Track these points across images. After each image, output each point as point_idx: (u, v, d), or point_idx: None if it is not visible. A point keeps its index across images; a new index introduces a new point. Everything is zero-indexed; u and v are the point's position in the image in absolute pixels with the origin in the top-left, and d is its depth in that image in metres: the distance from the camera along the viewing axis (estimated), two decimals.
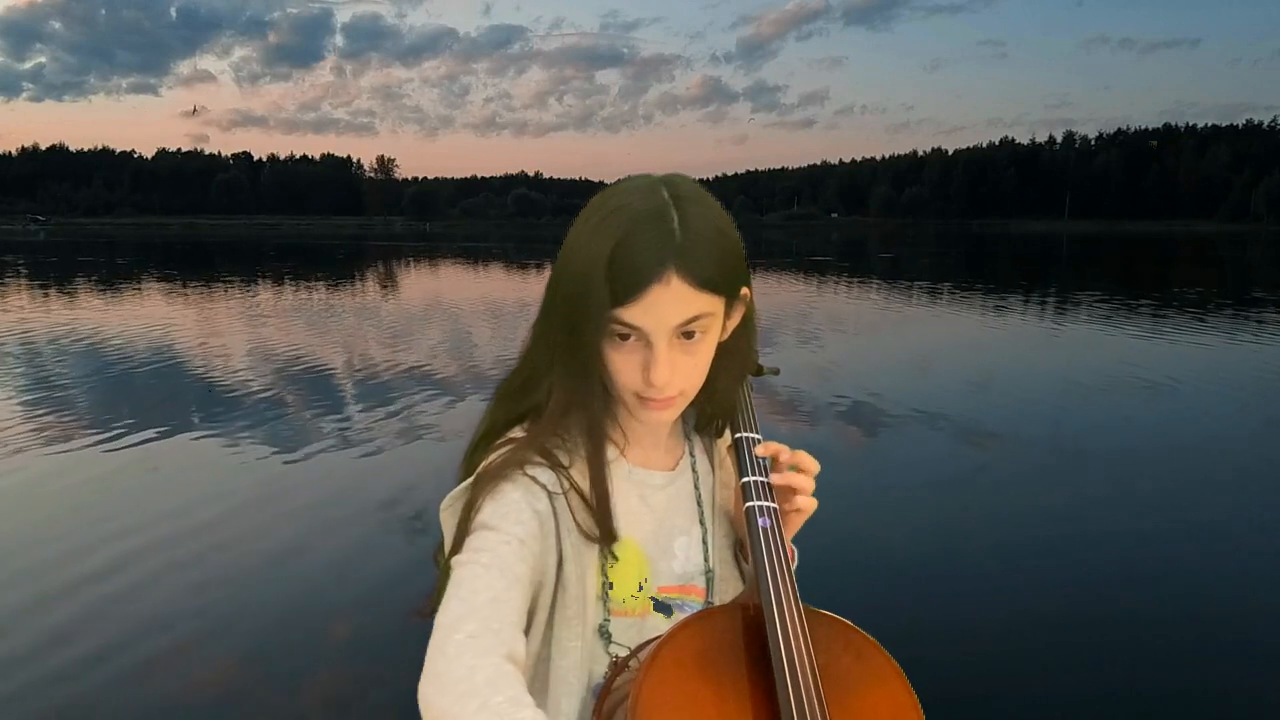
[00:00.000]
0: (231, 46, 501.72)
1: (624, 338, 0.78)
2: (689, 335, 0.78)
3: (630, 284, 0.74)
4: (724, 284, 0.78)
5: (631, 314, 0.76)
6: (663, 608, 0.89)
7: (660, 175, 0.81)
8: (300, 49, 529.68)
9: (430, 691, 0.61)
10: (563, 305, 0.79)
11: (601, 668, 0.85)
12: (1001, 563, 4.18)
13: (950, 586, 3.88)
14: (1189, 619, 3.57)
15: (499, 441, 0.85)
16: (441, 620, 0.67)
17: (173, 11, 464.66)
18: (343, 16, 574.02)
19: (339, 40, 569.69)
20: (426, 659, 0.64)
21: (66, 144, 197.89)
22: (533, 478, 0.81)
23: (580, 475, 0.84)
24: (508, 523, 0.76)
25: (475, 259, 35.58)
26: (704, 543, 0.93)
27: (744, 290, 0.84)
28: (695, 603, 0.91)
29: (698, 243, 0.75)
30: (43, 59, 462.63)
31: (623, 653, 0.85)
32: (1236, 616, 3.60)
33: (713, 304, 0.78)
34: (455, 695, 0.59)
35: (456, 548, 0.76)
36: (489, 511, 0.77)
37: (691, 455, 0.96)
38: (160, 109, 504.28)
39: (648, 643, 0.78)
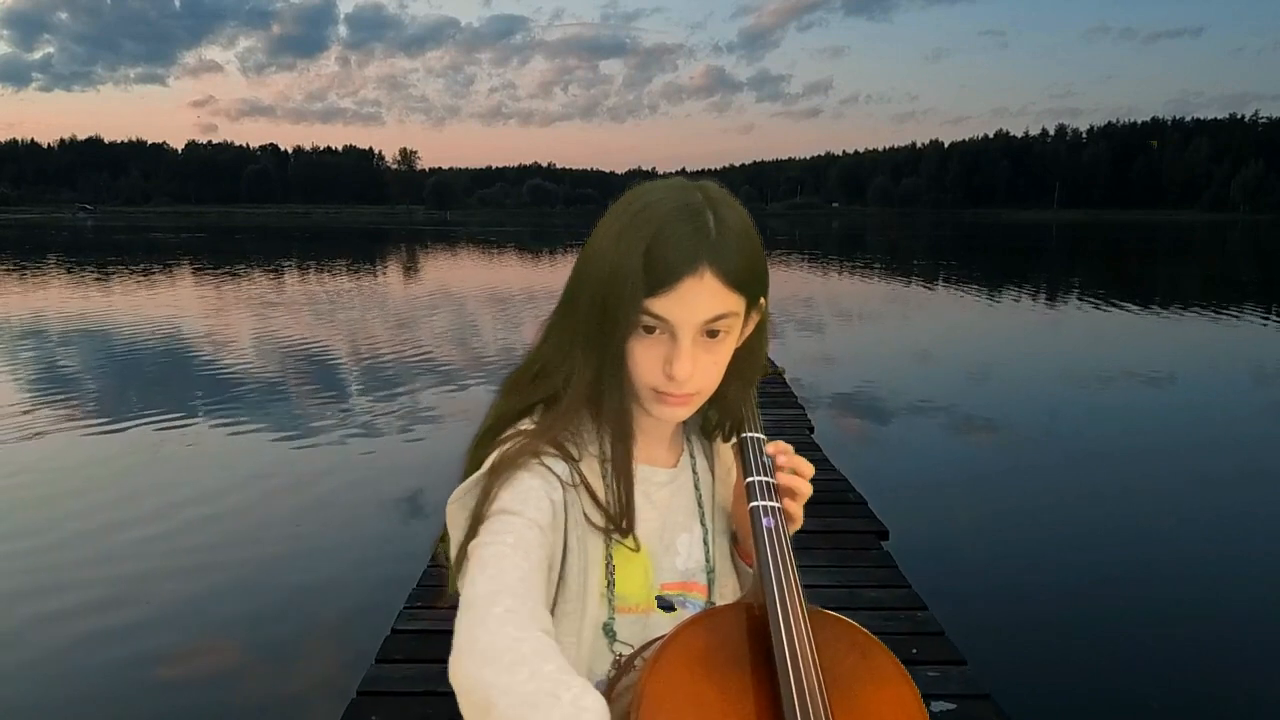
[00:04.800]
0: (236, 37, 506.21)
1: (649, 330, 0.79)
2: (713, 334, 0.79)
3: (665, 274, 0.75)
4: (750, 286, 0.80)
5: (663, 305, 0.76)
6: (666, 604, 0.89)
7: (688, 181, 0.83)
8: (304, 39, 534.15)
9: (470, 665, 0.59)
10: (592, 297, 0.79)
11: (603, 665, 0.85)
12: (1007, 559, 4.17)
13: (954, 584, 3.79)
14: (1193, 619, 3.54)
15: (506, 435, 0.84)
16: (472, 596, 0.66)
17: (176, 2, 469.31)
18: (345, 7, 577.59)
19: (342, 30, 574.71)
20: (460, 634, 0.62)
21: (100, 136, 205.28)
22: (548, 468, 0.80)
23: (589, 470, 0.84)
24: (528, 508, 0.76)
25: (527, 246, 39.45)
26: (705, 541, 0.93)
27: (762, 300, 0.85)
28: (697, 599, 0.91)
29: (731, 241, 0.77)
30: (51, 49, 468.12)
31: (627, 651, 0.85)
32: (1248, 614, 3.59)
33: (738, 304, 0.79)
34: (503, 665, 0.58)
35: (472, 535, 0.75)
36: (507, 498, 0.76)
37: (691, 454, 0.96)
38: (168, 99, 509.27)
39: (651, 642, 0.78)
